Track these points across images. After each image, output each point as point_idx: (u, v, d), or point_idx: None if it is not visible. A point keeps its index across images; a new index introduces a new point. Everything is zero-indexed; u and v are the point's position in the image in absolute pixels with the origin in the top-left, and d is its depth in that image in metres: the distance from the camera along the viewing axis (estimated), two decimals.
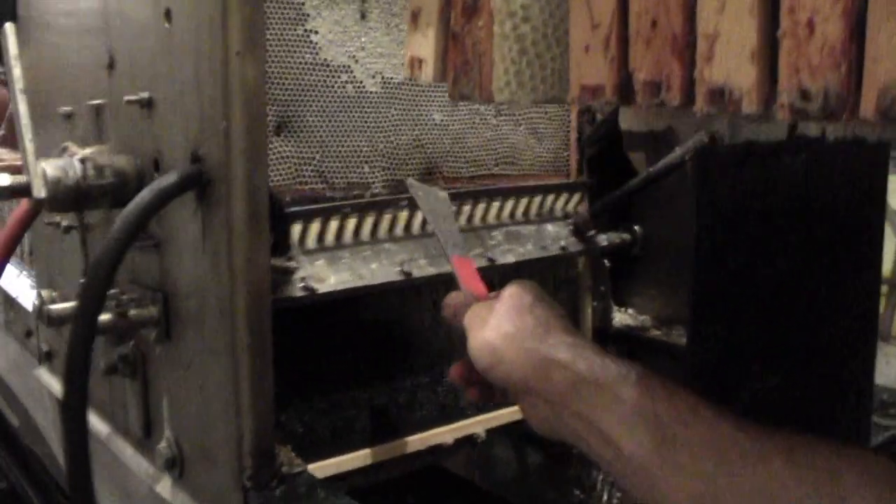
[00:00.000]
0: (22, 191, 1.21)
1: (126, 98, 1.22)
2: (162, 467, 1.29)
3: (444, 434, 1.52)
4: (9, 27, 1.25)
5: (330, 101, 1.36)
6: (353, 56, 1.38)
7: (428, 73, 0.93)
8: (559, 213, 1.62)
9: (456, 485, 1.68)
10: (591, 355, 0.93)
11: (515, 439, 1.81)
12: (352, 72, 1.38)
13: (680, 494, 0.84)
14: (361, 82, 1.39)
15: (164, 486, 1.31)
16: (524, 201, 1.56)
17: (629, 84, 0.74)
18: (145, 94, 1.22)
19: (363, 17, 1.39)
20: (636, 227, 1.69)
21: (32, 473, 3.24)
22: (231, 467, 1.15)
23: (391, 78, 1.42)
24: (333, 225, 1.34)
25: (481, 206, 1.51)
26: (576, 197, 1.63)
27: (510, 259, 1.51)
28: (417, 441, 1.49)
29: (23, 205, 1.42)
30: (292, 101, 1.32)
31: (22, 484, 3.28)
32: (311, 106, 1.34)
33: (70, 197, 1.22)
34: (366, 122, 1.40)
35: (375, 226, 1.39)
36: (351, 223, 1.36)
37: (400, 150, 1.44)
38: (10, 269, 2.13)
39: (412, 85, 1.44)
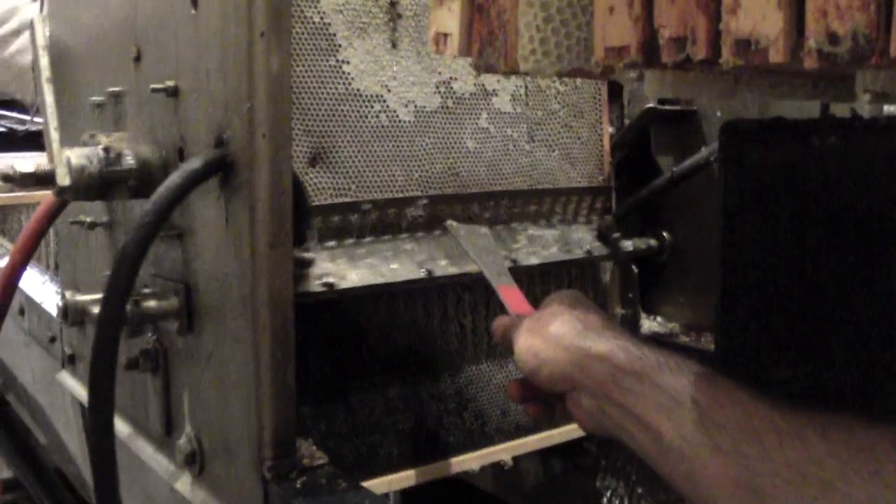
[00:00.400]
0: (46, 179, 1.21)
1: (152, 86, 1.22)
2: (182, 463, 1.28)
3: (471, 461, 1.50)
4: (37, 18, 1.26)
5: (363, 131, 1.35)
6: (386, 85, 1.37)
7: (453, 46, 0.92)
8: (584, 217, 1.61)
9: (479, 498, 1.66)
10: (629, 346, 0.95)
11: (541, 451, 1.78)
12: (384, 101, 1.38)
13: (718, 478, 0.84)
14: (395, 111, 1.39)
15: (184, 484, 1.29)
16: (547, 203, 1.55)
17: (654, 42, 0.73)
18: (171, 83, 1.22)
19: (394, 46, 1.39)
20: (664, 234, 1.67)
21: (56, 493, 3.24)
22: (251, 460, 1.13)
23: (424, 106, 1.42)
24: (354, 221, 1.33)
25: (504, 206, 1.49)
26: (600, 202, 1.62)
27: (533, 261, 1.50)
28: (443, 467, 1.47)
29: (47, 200, 1.42)
30: (326, 133, 1.32)
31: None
32: (344, 136, 1.33)
33: (94, 185, 1.22)
34: (400, 151, 1.39)
35: (396, 223, 1.38)
36: (371, 219, 1.35)
37: (434, 179, 1.43)
38: (36, 275, 2.14)
39: (445, 112, 1.44)
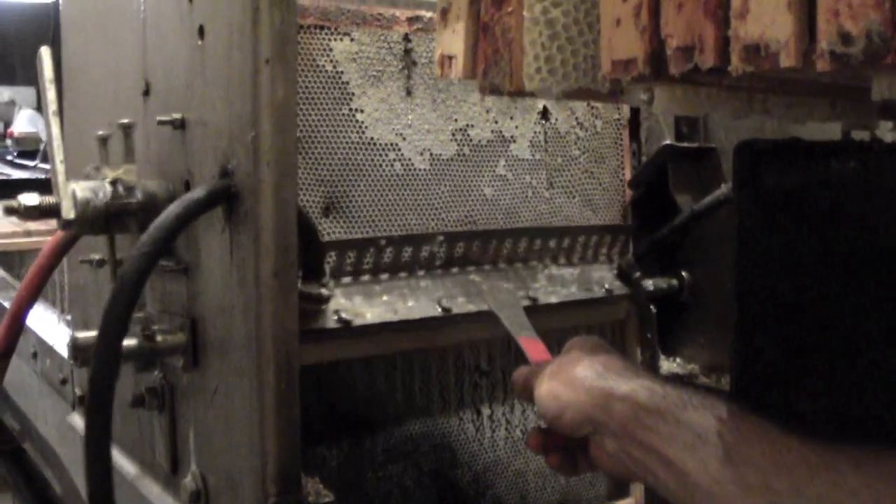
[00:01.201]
0: (50, 211, 1.20)
1: (158, 119, 1.21)
2: (187, 502, 1.25)
3: None
4: (44, 51, 1.25)
5: (378, 180, 1.34)
6: (400, 133, 1.37)
7: (458, 69, 0.91)
8: (604, 258, 1.58)
9: None
10: (651, 384, 0.92)
11: None
12: (399, 149, 1.37)
13: None
14: (410, 160, 1.38)
15: None
16: (567, 242, 1.52)
17: (662, 54, 0.71)
18: (178, 115, 1.21)
19: (409, 93, 1.38)
20: (684, 273, 1.63)
21: None
22: (255, 497, 1.10)
23: (440, 154, 1.40)
24: (369, 258, 1.31)
25: (523, 245, 1.47)
26: (620, 241, 1.59)
27: (553, 300, 1.47)
28: None
29: (55, 236, 1.41)
30: (339, 182, 1.31)
31: None
32: (358, 186, 1.32)
33: (99, 218, 1.20)
34: (416, 199, 1.38)
35: (413, 261, 1.36)
36: (387, 256, 1.34)
37: (451, 226, 1.42)
38: (48, 316, 2.13)
39: (462, 160, 1.42)
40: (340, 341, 1.31)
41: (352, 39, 1.32)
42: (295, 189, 1.07)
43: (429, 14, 1.38)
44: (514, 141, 1.48)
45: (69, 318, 1.85)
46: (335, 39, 1.31)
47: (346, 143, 1.31)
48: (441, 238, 1.37)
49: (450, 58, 0.92)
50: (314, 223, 1.24)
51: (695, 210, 1.47)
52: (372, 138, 1.34)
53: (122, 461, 1.50)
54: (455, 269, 1.42)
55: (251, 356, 1.08)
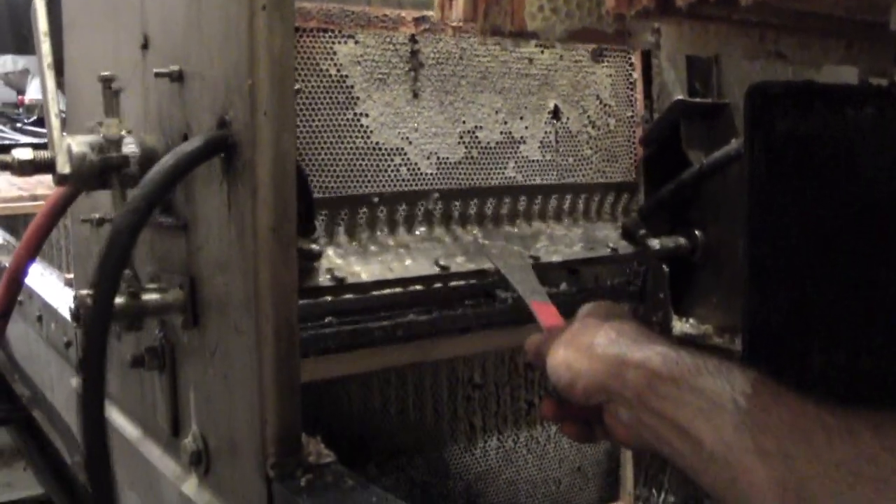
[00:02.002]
0: (45, 166, 1.17)
1: (155, 71, 1.18)
2: (188, 464, 1.23)
3: None
4: (38, 3, 1.22)
5: (383, 186, 1.32)
6: (407, 137, 1.34)
7: (458, 10, 0.87)
8: (609, 215, 1.55)
9: None
10: (665, 351, 0.89)
11: None
12: (405, 154, 1.34)
13: (764, 484, 0.78)
14: (416, 164, 1.35)
15: (191, 486, 1.24)
16: (568, 200, 1.49)
17: None
18: (175, 67, 1.17)
19: (415, 96, 1.35)
20: (696, 232, 1.59)
21: None
22: (255, 457, 1.07)
23: (447, 158, 1.38)
24: (362, 216, 1.29)
25: (523, 202, 1.44)
26: (625, 199, 1.56)
27: (556, 259, 1.44)
28: None
29: (53, 194, 1.38)
30: (343, 188, 1.29)
31: None
32: (363, 191, 1.31)
33: (95, 173, 1.17)
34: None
35: (409, 219, 1.34)
36: (380, 214, 1.31)
37: None
38: (53, 280, 2.11)
39: (470, 163, 1.40)
40: (339, 357, 1.31)
41: (356, 42, 1.29)
42: (293, 142, 1.04)
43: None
44: (524, 142, 1.46)
45: (69, 276, 1.83)
46: (339, 42, 1.28)
47: (351, 148, 1.29)
48: (436, 195, 1.34)
49: (450, 0, 0.89)
50: (306, 176, 1.21)
51: (704, 165, 1.44)
52: (377, 143, 1.32)
53: (123, 424, 1.48)
54: (454, 228, 1.39)
55: (249, 314, 1.05)
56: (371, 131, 1.31)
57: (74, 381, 1.75)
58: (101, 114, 1.22)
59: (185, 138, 1.17)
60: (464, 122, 1.39)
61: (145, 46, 1.29)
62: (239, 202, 1.06)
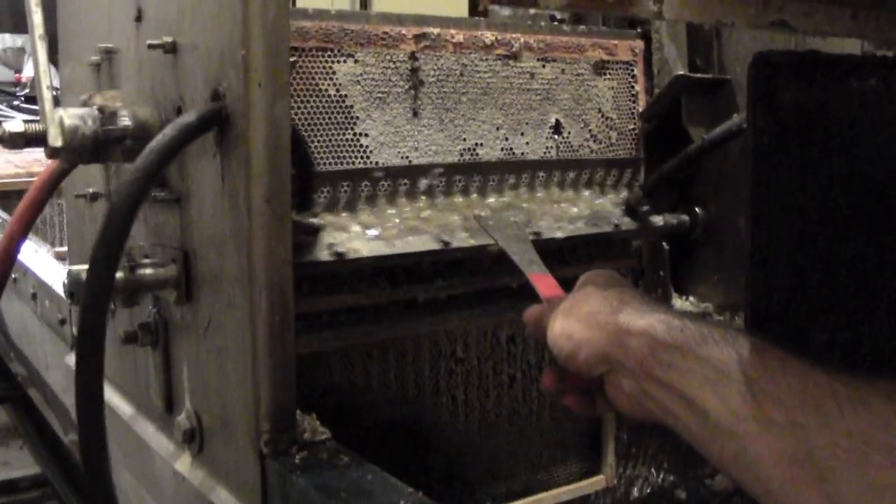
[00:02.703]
0: (37, 139, 1.15)
1: (148, 42, 1.16)
2: (181, 441, 1.21)
3: None
4: None
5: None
6: (407, 157, 1.33)
7: None
8: (612, 191, 1.54)
9: None
10: (668, 319, 0.87)
11: None
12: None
13: (772, 454, 0.76)
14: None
15: (184, 463, 1.23)
16: (572, 176, 1.48)
17: None
18: (169, 39, 1.15)
19: (415, 114, 1.34)
20: (697, 210, 1.58)
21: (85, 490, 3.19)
22: (248, 434, 1.06)
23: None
24: (364, 191, 1.28)
25: (526, 178, 1.43)
26: (629, 174, 1.55)
27: (558, 235, 1.43)
28: None
29: (46, 168, 1.37)
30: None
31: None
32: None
33: (88, 146, 1.16)
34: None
35: (411, 195, 1.33)
36: (382, 189, 1.30)
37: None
38: (47, 258, 2.10)
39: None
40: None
41: (356, 61, 1.28)
42: (287, 111, 1.02)
43: (436, 30, 1.35)
44: (525, 157, 1.45)
45: (60, 250, 1.82)
46: (338, 62, 1.27)
47: (351, 169, 1.28)
48: (439, 170, 1.33)
49: None
50: (307, 150, 1.19)
51: (706, 141, 1.42)
52: (377, 163, 1.30)
53: (117, 401, 1.47)
54: (456, 203, 1.37)
55: (243, 287, 1.04)
56: (371, 151, 1.30)
57: (69, 359, 1.74)
58: (94, 88, 1.20)
59: (179, 111, 1.15)
60: (464, 139, 1.38)
61: (139, 19, 1.27)
62: (232, 174, 1.04)
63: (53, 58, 1.38)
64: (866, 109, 0.92)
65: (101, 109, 1.16)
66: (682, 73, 1.53)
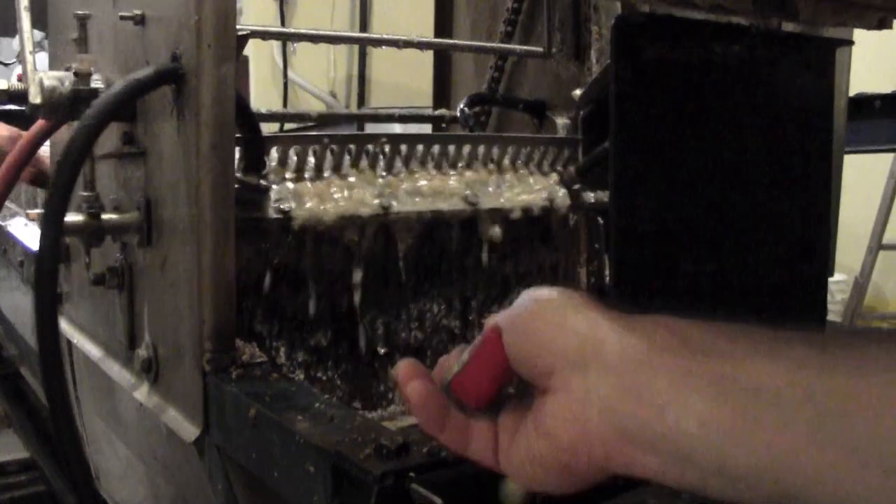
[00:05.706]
0: (18, 96, 1.30)
1: (120, 14, 1.30)
2: (139, 371, 1.35)
3: None
4: None
5: None
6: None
7: None
8: (548, 169, 1.67)
9: None
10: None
11: None
12: None
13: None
14: None
15: (142, 392, 1.36)
16: (511, 151, 1.62)
17: None
18: (138, 11, 1.30)
19: None
20: None
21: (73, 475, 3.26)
22: (194, 355, 1.20)
23: None
24: (313, 156, 1.42)
25: (466, 151, 1.56)
26: (567, 154, 1.68)
27: (495, 205, 1.56)
28: None
29: (30, 130, 1.50)
30: None
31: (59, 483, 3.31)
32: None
33: (65, 104, 1.30)
34: None
35: (357, 161, 1.47)
36: (330, 155, 1.44)
37: None
38: (34, 228, 2.21)
39: None
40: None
41: None
42: (232, 70, 1.16)
43: None
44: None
45: (32, 212, 1.93)
46: None
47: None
48: (384, 139, 1.47)
49: None
50: (252, 113, 1.33)
51: None
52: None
53: (88, 346, 1.60)
54: (398, 170, 1.51)
55: (193, 224, 1.18)
56: None
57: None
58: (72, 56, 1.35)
59: None
60: None
61: None
62: (186, 126, 1.18)
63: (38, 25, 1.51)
64: (727, 71, 1.05)
65: (76, 73, 1.31)
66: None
